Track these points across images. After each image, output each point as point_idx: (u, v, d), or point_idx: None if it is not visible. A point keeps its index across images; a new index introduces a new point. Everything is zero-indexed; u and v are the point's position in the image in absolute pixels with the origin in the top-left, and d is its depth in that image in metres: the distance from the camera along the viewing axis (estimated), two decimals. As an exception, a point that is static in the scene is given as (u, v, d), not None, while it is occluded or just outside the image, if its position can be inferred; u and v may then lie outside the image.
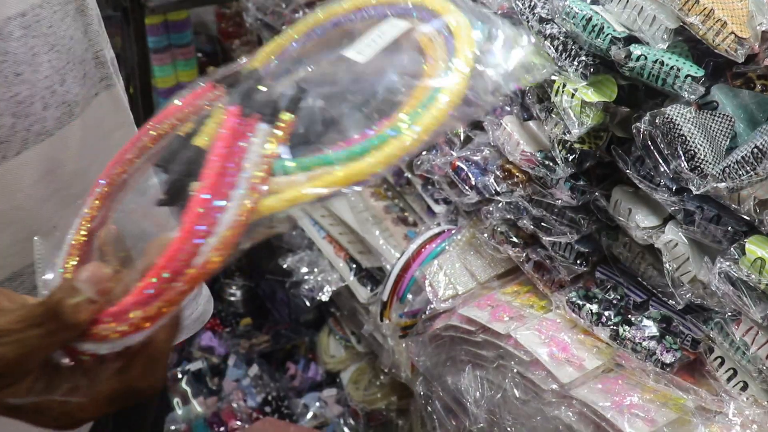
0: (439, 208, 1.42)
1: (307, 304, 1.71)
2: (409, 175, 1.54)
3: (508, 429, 0.92)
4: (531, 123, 0.91)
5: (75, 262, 0.52)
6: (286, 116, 0.50)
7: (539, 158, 0.87)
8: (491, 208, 1.00)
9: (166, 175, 0.50)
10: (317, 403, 2.14)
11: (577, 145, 0.82)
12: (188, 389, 2.18)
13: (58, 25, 0.68)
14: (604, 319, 0.88)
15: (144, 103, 2.12)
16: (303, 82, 0.54)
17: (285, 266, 1.75)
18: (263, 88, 0.54)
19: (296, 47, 0.60)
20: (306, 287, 1.70)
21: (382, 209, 1.58)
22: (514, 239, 0.99)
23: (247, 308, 2.45)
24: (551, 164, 0.86)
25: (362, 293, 1.59)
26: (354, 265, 1.62)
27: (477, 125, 1.06)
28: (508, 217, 0.98)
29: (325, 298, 1.66)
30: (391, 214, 1.57)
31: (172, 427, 2.08)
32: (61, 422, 0.48)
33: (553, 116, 0.83)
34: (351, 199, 1.65)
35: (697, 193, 0.72)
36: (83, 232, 0.54)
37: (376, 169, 0.46)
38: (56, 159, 0.70)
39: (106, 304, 0.45)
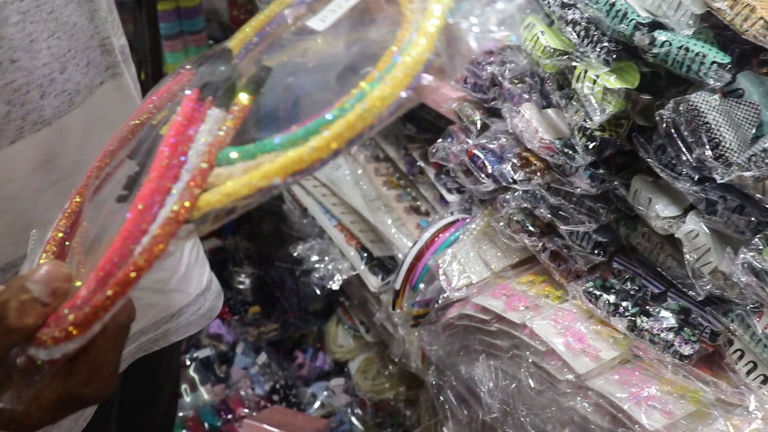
0: (452, 197, 1.41)
1: (317, 292, 1.71)
2: (422, 164, 1.53)
3: (522, 419, 0.92)
4: (550, 110, 0.90)
5: (47, 260, 0.49)
6: (243, 99, 0.47)
7: (558, 146, 0.86)
8: (507, 197, 0.99)
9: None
10: (325, 393, 2.14)
11: (597, 133, 0.81)
12: (196, 376, 2.18)
13: (61, 11, 0.65)
14: (621, 309, 0.87)
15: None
16: (271, 61, 0.51)
17: (295, 254, 1.74)
18: (223, 68, 0.51)
19: (274, 26, 0.57)
20: (316, 275, 1.69)
21: (395, 198, 1.57)
22: (531, 228, 0.98)
23: (256, 296, 2.45)
24: (570, 152, 0.84)
25: (373, 282, 1.58)
26: (365, 254, 1.61)
27: (494, 113, 1.05)
28: (525, 205, 0.96)
29: (335, 286, 1.65)
30: (403, 203, 1.56)
31: (180, 414, 2.08)
32: (11, 428, 0.46)
33: (574, 103, 0.82)
34: (363, 187, 1.64)
35: (722, 182, 0.71)
36: (61, 229, 0.52)
37: (318, 155, 0.41)
38: (54, 149, 0.67)
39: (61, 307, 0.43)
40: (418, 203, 1.55)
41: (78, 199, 0.53)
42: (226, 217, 0.43)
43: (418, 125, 1.59)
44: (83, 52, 0.69)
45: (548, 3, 0.82)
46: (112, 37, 0.72)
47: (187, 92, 0.49)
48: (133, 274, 0.41)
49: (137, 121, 0.54)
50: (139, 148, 0.48)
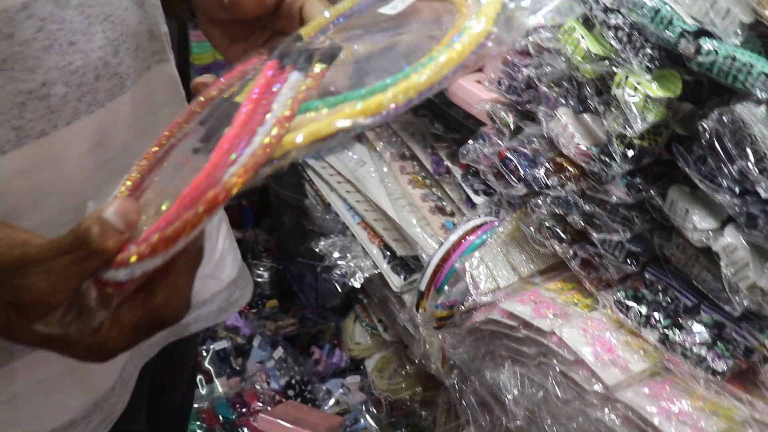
0: (479, 199, 1.39)
1: (339, 289, 1.70)
2: (449, 164, 1.52)
3: (548, 429, 0.90)
4: (586, 116, 0.88)
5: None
6: (320, 66, 0.52)
7: (595, 153, 0.84)
8: (539, 202, 0.97)
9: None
10: (340, 390, 2.14)
11: (636, 141, 0.79)
12: (212, 368, 2.19)
13: None
14: (653, 321, 0.85)
15: (182, 79, 2.11)
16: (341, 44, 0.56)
17: (317, 250, 1.73)
18: (300, 43, 0.57)
19: (342, 21, 0.63)
20: (338, 272, 1.68)
21: (420, 197, 1.56)
22: (562, 234, 0.96)
23: (274, 290, 2.45)
24: (607, 160, 0.83)
25: (395, 281, 1.57)
26: (388, 253, 1.60)
27: (528, 116, 1.03)
28: (557, 211, 0.95)
29: (357, 284, 1.64)
30: (428, 202, 1.55)
31: (195, 405, 2.08)
32: (91, 353, 0.49)
33: (613, 110, 0.80)
34: (388, 185, 1.63)
35: (766, 196, 0.69)
36: (127, 185, 0.55)
37: (394, 100, 0.46)
38: (105, 131, 0.69)
39: (134, 236, 0.47)
40: (444, 203, 1.54)
41: (144, 162, 0.56)
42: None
43: (446, 124, 1.57)
44: (132, 37, 0.70)
45: (590, 6, 0.80)
46: (160, 23, 0.74)
47: (268, 62, 0.54)
48: (222, 195, 0.44)
49: (204, 98, 0.57)
50: (211, 114, 0.53)
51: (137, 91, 0.72)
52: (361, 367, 2.16)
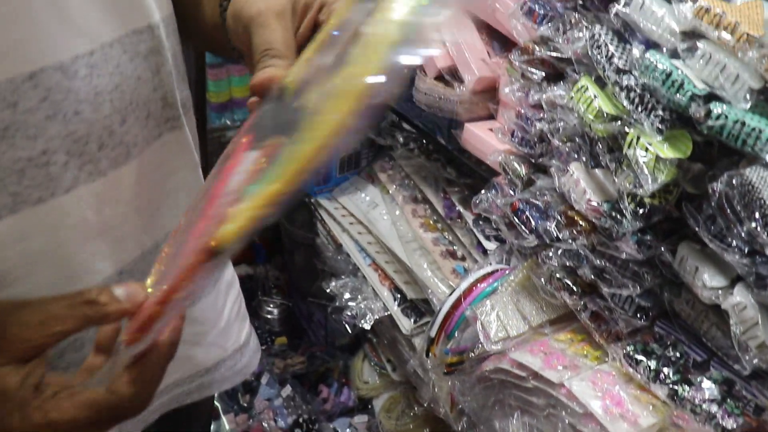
0: (490, 245, 1.41)
1: (348, 330, 1.71)
2: (461, 209, 1.53)
3: (556, 481, 0.91)
4: (598, 171, 0.90)
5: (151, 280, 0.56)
6: (272, 140, 0.52)
7: (606, 209, 0.86)
8: (550, 254, 0.98)
9: None
10: (348, 429, 2.12)
11: (647, 200, 0.80)
12: (219, 405, 2.18)
13: (126, 65, 0.66)
14: (662, 376, 0.86)
15: (198, 117, 2.14)
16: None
17: (328, 290, 1.75)
18: (269, 108, 0.57)
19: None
20: (348, 313, 1.69)
21: (431, 241, 1.57)
22: (572, 287, 0.97)
23: (283, 327, 2.45)
24: (618, 216, 0.84)
25: (405, 324, 1.58)
26: (398, 295, 1.61)
27: (540, 168, 1.05)
28: (567, 263, 0.96)
29: (367, 326, 1.65)
30: (439, 246, 1.56)
31: (202, 442, 2.07)
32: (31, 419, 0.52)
33: (624, 168, 0.82)
34: (400, 228, 1.64)
35: (774, 258, 0.70)
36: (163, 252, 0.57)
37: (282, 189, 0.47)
38: (106, 199, 0.68)
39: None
40: (455, 248, 1.55)
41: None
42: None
43: (458, 169, 1.59)
44: (144, 105, 0.69)
45: (603, 67, 0.82)
46: (175, 90, 0.73)
47: (242, 139, 0.55)
48: (153, 310, 0.51)
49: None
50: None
51: (145, 159, 0.71)
52: (369, 407, 2.15)
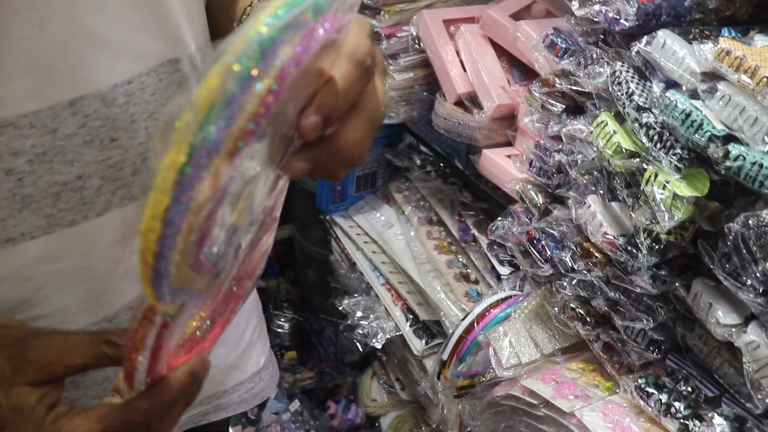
0: (504, 270, 1.42)
1: (360, 348, 1.72)
2: (476, 233, 1.55)
3: None
4: (615, 204, 0.91)
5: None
6: None
7: (622, 243, 0.87)
8: (564, 283, 0.99)
9: None
10: (355, 446, 2.13)
11: (663, 236, 0.81)
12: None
13: (161, 93, 0.68)
14: (673, 410, 0.87)
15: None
16: None
17: (341, 308, 1.76)
18: None
19: None
20: (360, 332, 1.70)
21: (445, 263, 1.58)
22: (586, 317, 0.98)
23: (293, 341, 2.46)
24: (634, 251, 0.85)
25: (417, 345, 1.59)
26: (411, 316, 1.62)
27: (557, 199, 1.06)
28: (581, 294, 0.97)
29: (378, 345, 1.66)
30: (453, 269, 1.57)
31: (209, 453, 2.08)
32: None
33: (641, 203, 0.83)
34: (414, 249, 1.66)
35: (788, 300, 0.71)
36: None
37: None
38: (136, 223, 0.70)
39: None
40: (468, 271, 1.56)
41: None
42: None
43: (474, 194, 1.61)
44: None
45: (623, 103, 0.83)
46: None
47: None
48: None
49: None
50: None
51: None
52: (377, 425, 2.15)
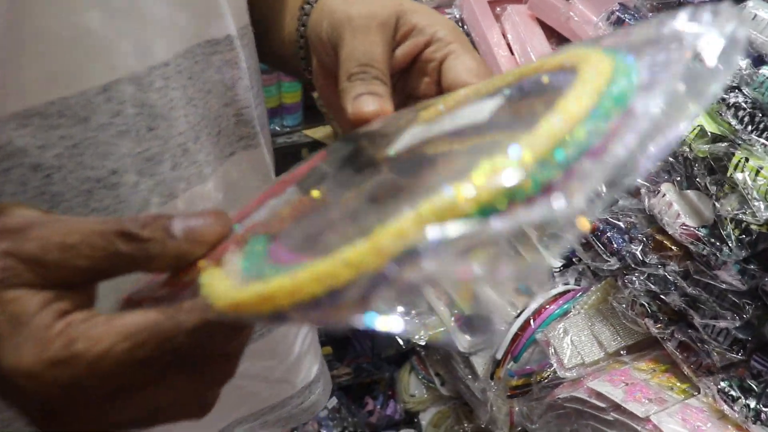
0: (554, 262, 1.35)
1: (402, 345, 1.66)
2: (523, 224, 1.48)
3: None
4: (692, 193, 0.84)
5: None
6: (314, 192, 0.41)
7: (704, 235, 0.80)
8: (633, 278, 0.93)
9: None
10: (393, 443, 2.09)
11: (754, 227, 0.74)
12: (264, 414, 2.16)
13: (198, 77, 0.61)
14: (764, 417, 0.80)
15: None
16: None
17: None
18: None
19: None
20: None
21: (491, 256, 1.52)
22: (658, 314, 0.92)
23: (328, 336, 2.42)
24: (718, 243, 0.78)
25: (462, 341, 1.52)
26: (456, 311, 1.56)
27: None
28: (653, 289, 0.90)
29: (422, 342, 1.60)
30: (499, 261, 1.50)
31: (246, 452, 2.04)
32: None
33: (726, 191, 0.76)
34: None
35: None
36: None
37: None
38: None
39: None
40: (515, 263, 1.49)
41: None
42: None
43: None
44: (215, 121, 0.64)
45: (707, 83, 0.76)
46: (252, 107, 0.67)
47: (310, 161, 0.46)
48: None
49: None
50: None
51: (217, 179, 0.65)
52: (415, 420, 2.11)
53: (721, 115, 0.75)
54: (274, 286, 0.30)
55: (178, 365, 0.36)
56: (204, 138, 0.63)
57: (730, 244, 0.76)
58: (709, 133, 0.76)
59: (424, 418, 2.10)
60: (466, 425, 1.98)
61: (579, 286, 1.18)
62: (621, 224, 0.95)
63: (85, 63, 0.53)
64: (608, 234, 0.96)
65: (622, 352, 1.03)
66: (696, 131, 0.77)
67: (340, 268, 0.29)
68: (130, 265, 0.38)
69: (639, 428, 0.88)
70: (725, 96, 0.74)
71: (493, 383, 1.23)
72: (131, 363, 0.35)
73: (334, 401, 2.19)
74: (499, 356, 1.18)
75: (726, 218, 0.76)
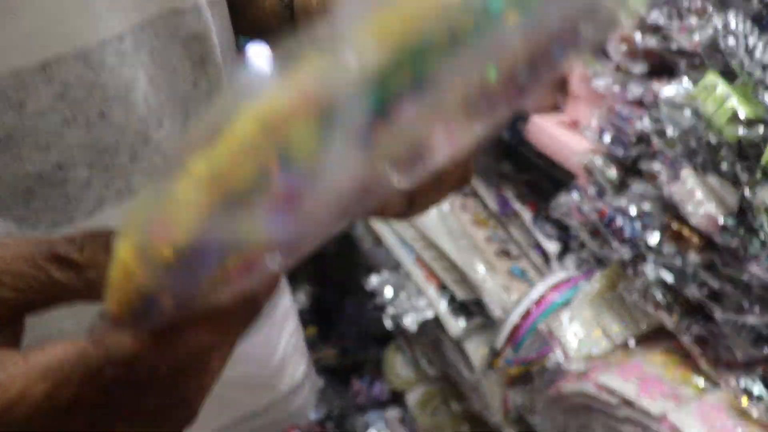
0: (552, 247, 1.30)
1: (391, 328, 1.62)
2: (518, 206, 1.42)
3: None
4: (714, 180, 0.79)
5: None
6: None
7: (731, 224, 0.75)
8: (645, 268, 0.88)
9: None
10: (380, 422, 2.07)
11: (788, 217, 0.70)
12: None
13: (160, 53, 0.54)
14: (790, 417, 0.76)
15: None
16: None
17: (370, 289, 1.66)
18: None
19: None
20: (391, 312, 1.60)
21: (484, 239, 1.46)
22: (673, 305, 0.87)
23: (313, 316, 2.38)
24: (746, 234, 0.73)
25: (454, 327, 1.47)
26: (447, 295, 1.51)
27: (632, 171, 0.94)
28: (667, 280, 0.85)
29: (413, 327, 1.56)
30: (492, 245, 1.45)
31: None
32: None
33: (758, 178, 0.71)
34: (450, 224, 1.54)
35: None
36: None
37: None
38: None
39: None
40: (509, 247, 1.44)
41: None
42: None
43: (515, 164, 1.48)
44: (181, 103, 0.57)
45: (740, 62, 0.70)
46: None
47: None
48: None
49: None
50: None
51: None
52: (402, 400, 2.09)
53: (757, 96, 0.70)
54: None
55: (117, 407, 0.29)
56: (168, 124, 0.55)
57: (762, 235, 0.71)
58: (743, 117, 0.70)
59: (411, 398, 2.07)
60: (453, 405, 1.96)
61: (581, 273, 1.13)
62: (634, 212, 0.90)
63: (16, 36, 0.46)
64: (620, 221, 0.91)
65: (630, 343, 0.98)
66: (729, 114, 0.71)
67: None
68: (67, 294, 0.31)
69: (654, 427, 0.84)
70: (763, 76, 0.69)
71: (492, 371, 1.19)
72: (52, 408, 0.28)
73: (320, 382, 2.16)
74: (498, 346, 1.14)
75: (760, 208, 0.71)
